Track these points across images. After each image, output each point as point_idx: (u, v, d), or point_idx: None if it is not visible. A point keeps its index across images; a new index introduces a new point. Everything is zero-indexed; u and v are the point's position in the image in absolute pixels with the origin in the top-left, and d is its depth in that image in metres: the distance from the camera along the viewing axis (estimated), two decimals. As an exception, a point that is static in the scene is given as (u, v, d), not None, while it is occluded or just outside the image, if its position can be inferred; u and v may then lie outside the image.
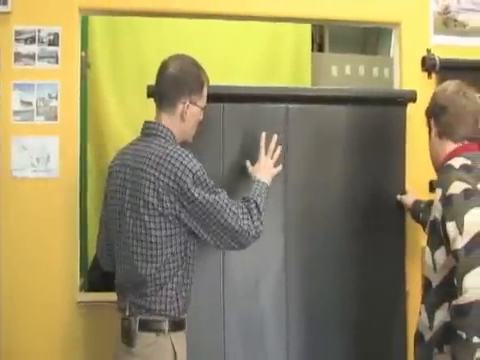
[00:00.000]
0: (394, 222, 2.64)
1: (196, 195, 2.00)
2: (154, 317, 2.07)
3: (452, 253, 1.86)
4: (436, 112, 2.13)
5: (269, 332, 2.51)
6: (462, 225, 1.84)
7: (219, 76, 3.43)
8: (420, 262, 2.92)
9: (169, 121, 2.14)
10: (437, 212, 1.97)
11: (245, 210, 2.10)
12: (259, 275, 2.50)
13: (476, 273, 1.75)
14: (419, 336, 2.05)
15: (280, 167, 2.34)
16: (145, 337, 2.06)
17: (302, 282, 2.54)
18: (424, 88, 2.78)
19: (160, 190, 2.00)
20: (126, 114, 3.65)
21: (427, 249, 2.04)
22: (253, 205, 2.13)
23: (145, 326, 2.06)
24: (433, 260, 1.99)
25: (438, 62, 2.97)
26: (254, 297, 2.49)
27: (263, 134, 2.36)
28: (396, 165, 2.62)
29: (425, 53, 3.01)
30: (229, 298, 2.43)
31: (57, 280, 2.70)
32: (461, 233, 1.83)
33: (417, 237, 2.84)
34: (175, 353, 2.08)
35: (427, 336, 1.99)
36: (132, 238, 2.06)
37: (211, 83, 2.27)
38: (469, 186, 1.91)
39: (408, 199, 2.61)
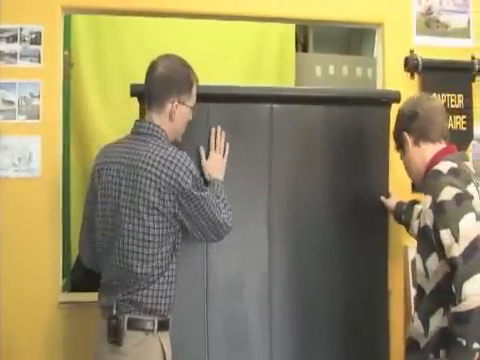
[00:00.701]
0: (377, 223, 2.65)
1: (195, 193, 2.06)
2: (142, 316, 2.07)
3: (449, 261, 1.84)
4: (406, 122, 2.17)
5: (252, 332, 2.51)
6: (457, 232, 1.82)
7: (203, 76, 3.43)
8: (403, 262, 2.95)
9: (159, 120, 2.15)
10: (428, 219, 1.95)
11: (222, 204, 2.20)
12: (243, 275, 2.49)
13: (475, 280, 1.74)
14: (412, 343, 2.03)
15: (226, 158, 2.42)
16: (133, 336, 2.05)
17: (286, 283, 2.54)
18: (407, 88, 2.80)
19: (161, 189, 2.02)
20: (109, 113, 3.64)
21: (418, 256, 2.03)
22: (224, 201, 2.23)
23: (133, 325, 2.06)
24: (425, 267, 1.97)
25: (421, 62, 3.00)
26: (237, 297, 2.48)
27: (212, 130, 2.42)
28: (379, 165, 2.63)
29: (408, 53, 3.03)
30: (212, 298, 2.42)
31: (39, 280, 2.68)
32: (457, 240, 1.81)
33: (400, 237, 2.86)
34: (164, 353, 2.09)
35: (422, 343, 1.98)
36: (128, 236, 2.06)
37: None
38: (460, 191, 1.90)
39: (391, 202, 2.62)
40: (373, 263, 2.62)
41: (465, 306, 1.74)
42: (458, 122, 3.10)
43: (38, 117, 2.73)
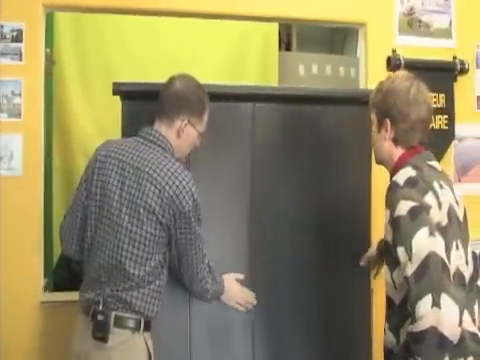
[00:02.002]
0: (359, 220, 2.65)
1: (191, 218, 2.08)
2: (130, 314, 2.07)
3: (404, 279, 1.83)
4: (395, 117, 2.02)
5: (235, 334, 2.50)
6: (411, 250, 1.80)
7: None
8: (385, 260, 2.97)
9: (167, 134, 2.16)
10: (388, 235, 1.94)
11: (207, 269, 2.25)
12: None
13: (427, 300, 1.72)
14: (388, 351, 2.04)
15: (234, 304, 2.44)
16: (120, 334, 2.05)
17: (267, 284, 2.53)
18: (389, 88, 2.81)
19: (164, 200, 2.04)
20: (92, 111, 3.62)
21: (386, 267, 2.01)
22: (213, 270, 2.29)
23: (120, 322, 2.05)
24: (392, 279, 1.96)
25: (403, 62, 3.03)
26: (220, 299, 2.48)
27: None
28: (361, 164, 2.63)
29: (390, 53, 3.06)
30: (194, 301, 2.42)
31: (21, 280, 2.66)
32: (410, 258, 1.79)
33: (382, 234, 2.86)
34: (149, 354, 2.10)
35: (396, 349, 1.98)
36: (125, 235, 2.05)
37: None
38: (415, 203, 1.85)
39: (372, 247, 2.59)
40: (356, 257, 2.63)
41: (419, 326, 1.73)
42: (440, 122, 3.13)
43: (20, 115, 2.71)
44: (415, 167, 1.97)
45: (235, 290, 2.42)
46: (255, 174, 2.52)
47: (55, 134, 3.51)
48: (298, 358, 2.56)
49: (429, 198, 1.88)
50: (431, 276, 1.76)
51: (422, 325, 1.72)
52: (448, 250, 1.86)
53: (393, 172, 2.05)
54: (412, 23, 3.15)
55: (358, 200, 2.64)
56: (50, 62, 3.24)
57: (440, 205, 1.90)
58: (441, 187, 1.94)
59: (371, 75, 3.04)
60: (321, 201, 2.60)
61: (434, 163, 2.05)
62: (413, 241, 1.80)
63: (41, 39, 2.78)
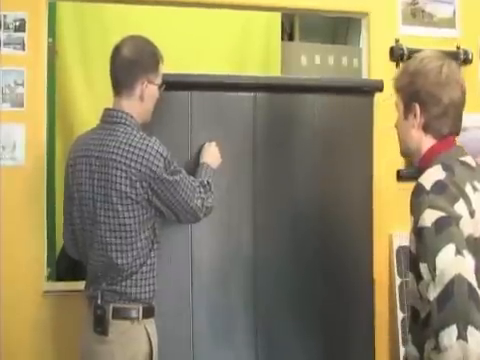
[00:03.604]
0: (361, 210, 2.65)
1: (166, 177, 2.05)
2: (127, 304, 2.08)
3: (427, 300, 1.60)
4: (426, 100, 1.79)
5: (238, 322, 2.52)
6: (434, 269, 1.56)
7: (189, 65, 3.43)
8: (388, 250, 2.97)
9: (129, 105, 2.14)
10: (412, 245, 1.73)
11: (201, 189, 2.21)
12: (228, 265, 2.50)
13: (452, 331, 1.49)
14: None
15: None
16: (119, 325, 2.06)
17: (270, 272, 2.55)
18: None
19: (133, 177, 2.02)
20: (94, 101, 3.61)
21: (411, 275, 1.78)
22: (205, 183, 2.26)
23: (118, 314, 2.07)
24: (418, 289, 1.73)
25: (406, 52, 3.00)
26: (222, 288, 2.49)
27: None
28: (363, 154, 2.64)
29: (393, 43, 3.04)
30: (197, 289, 2.43)
31: (23, 270, 2.66)
32: (433, 279, 1.56)
33: (385, 225, 2.88)
34: (150, 341, 2.10)
35: None
36: (105, 229, 2.06)
37: (179, 71, 2.26)
38: (441, 214, 1.60)
39: None
40: (358, 251, 2.64)
41: (443, 358, 1.53)
42: (443, 112, 3.11)
43: (22, 105, 2.71)
44: (445, 167, 1.73)
45: (214, 155, 2.42)
46: (257, 163, 2.52)
47: (58, 124, 3.51)
48: (301, 344, 2.57)
49: (460, 207, 1.65)
50: (456, 304, 1.52)
51: (446, 357, 1.53)
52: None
53: (420, 166, 1.83)
54: (415, 13, 3.13)
55: (360, 188, 2.64)
56: (52, 52, 3.23)
57: (472, 213, 1.66)
58: (475, 190, 1.71)
59: (374, 65, 3.02)
60: (323, 190, 2.60)
61: (467, 159, 1.81)
62: (437, 259, 1.56)
63: (44, 29, 2.77)
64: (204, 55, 3.58)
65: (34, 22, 2.73)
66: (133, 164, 2.01)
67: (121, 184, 2.02)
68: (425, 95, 1.78)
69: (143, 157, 2.02)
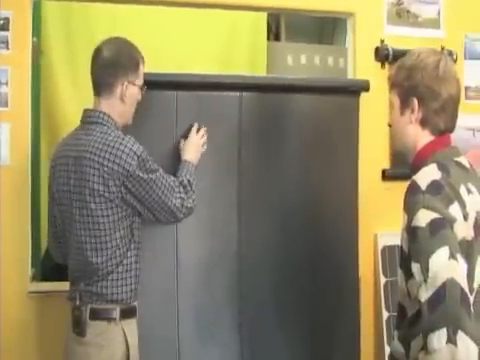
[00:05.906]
0: (347, 210, 2.67)
1: (141, 175, 2.05)
2: (105, 305, 2.08)
3: (417, 301, 1.58)
4: (424, 95, 1.77)
5: (223, 320, 2.52)
6: (427, 270, 1.54)
7: (175, 65, 3.42)
8: (373, 249, 2.99)
9: (108, 105, 2.15)
10: (404, 243, 1.71)
11: (181, 189, 2.20)
12: (212, 262, 2.50)
13: (442, 334, 1.48)
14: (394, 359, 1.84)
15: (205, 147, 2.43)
16: (96, 326, 2.06)
17: (255, 271, 2.55)
18: (377, 78, 2.82)
19: (105, 175, 2.02)
20: (80, 101, 3.56)
21: (400, 272, 1.76)
22: (186, 182, 2.24)
23: (96, 315, 2.07)
24: (407, 287, 1.71)
25: (391, 52, 3.02)
26: (207, 284, 2.49)
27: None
28: (349, 153, 2.65)
29: (379, 43, 3.06)
30: (182, 286, 2.43)
31: (8, 270, 2.65)
32: (425, 280, 1.54)
33: (370, 224, 2.89)
34: (127, 342, 2.09)
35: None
36: (80, 229, 2.08)
37: (165, 71, 2.25)
38: (436, 215, 1.58)
39: None
40: (343, 250, 2.65)
41: None
42: (428, 112, 3.13)
43: (7, 104, 2.69)
44: (440, 166, 1.70)
45: (198, 149, 2.41)
46: (242, 163, 2.53)
47: (43, 123, 3.49)
48: (286, 343, 2.57)
49: (454, 209, 1.63)
50: (447, 308, 1.50)
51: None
52: (472, 270, 1.63)
53: (414, 163, 1.81)
54: (401, 13, 3.15)
55: (346, 188, 2.65)
56: (37, 51, 3.21)
57: (466, 216, 1.64)
58: (469, 192, 1.69)
59: (359, 65, 3.04)
60: (309, 190, 2.61)
61: (462, 159, 1.79)
62: (430, 261, 1.54)
63: (28, 28, 2.75)
64: (190, 55, 3.58)
65: (19, 21, 2.71)
66: (106, 162, 2.02)
67: (94, 182, 2.03)
68: (424, 89, 1.76)
69: (116, 155, 2.02)
